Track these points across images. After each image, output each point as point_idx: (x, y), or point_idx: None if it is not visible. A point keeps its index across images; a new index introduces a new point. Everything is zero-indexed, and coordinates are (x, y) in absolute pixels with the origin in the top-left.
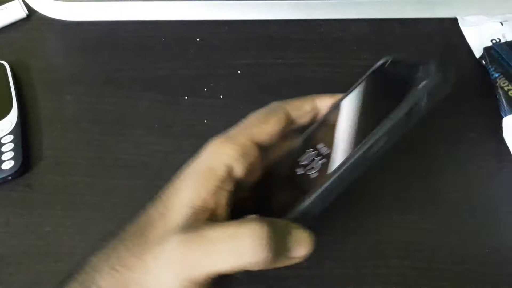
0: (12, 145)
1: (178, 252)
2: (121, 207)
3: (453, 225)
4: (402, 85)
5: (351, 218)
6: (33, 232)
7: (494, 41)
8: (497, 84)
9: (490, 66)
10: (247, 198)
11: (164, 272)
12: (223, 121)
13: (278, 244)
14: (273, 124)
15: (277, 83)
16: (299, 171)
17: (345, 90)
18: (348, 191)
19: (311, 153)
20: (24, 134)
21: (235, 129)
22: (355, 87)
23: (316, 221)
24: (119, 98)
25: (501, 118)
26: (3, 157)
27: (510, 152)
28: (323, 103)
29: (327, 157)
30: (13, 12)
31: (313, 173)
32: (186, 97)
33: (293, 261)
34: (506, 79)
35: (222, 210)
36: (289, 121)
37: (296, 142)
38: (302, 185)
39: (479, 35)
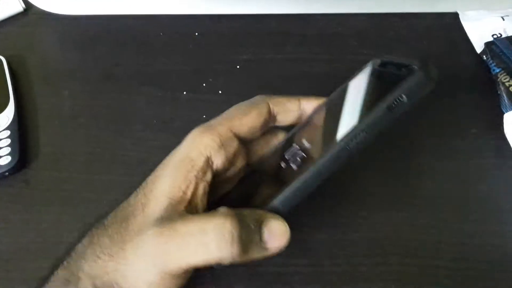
0: (9, 141)
1: (153, 244)
2: (119, 203)
3: (453, 222)
4: (388, 85)
5: (350, 215)
6: (30, 228)
7: (495, 36)
8: (498, 80)
9: (491, 61)
10: (236, 193)
11: (141, 262)
12: None
13: (248, 236)
14: (254, 116)
15: (276, 78)
16: (283, 165)
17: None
18: (347, 189)
19: (294, 148)
20: (21, 130)
21: (216, 119)
22: (343, 88)
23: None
24: (117, 93)
25: (502, 113)
26: (0, 153)
27: (511, 148)
28: (309, 104)
29: (308, 152)
30: (10, 6)
31: (294, 167)
32: (184, 93)
33: (269, 253)
34: (507, 74)
35: (199, 200)
36: (271, 115)
37: (283, 138)
38: (284, 179)
39: (480, 30)
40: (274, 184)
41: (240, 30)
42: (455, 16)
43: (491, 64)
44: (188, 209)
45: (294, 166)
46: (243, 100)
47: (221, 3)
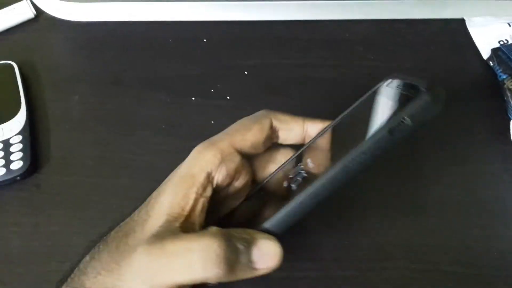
0: (21, 146)
1: (143, 262)
2: (127, 207)
3: (460, 227)
4: (395, 106)
5: (357, 220)
6: (41, 232)
7: (501, 42)
8: (505, 86)
9: (497, 68)
10: (243, 209)
11: (134, 279)
12: (230, 122)
13: (235, 257)
14: (256, 131)
15: (284, 84)
16: (285, 184)
17: (351, 91)
18: (355, 194)
19: (299, 167)
20: (32, 135)
21: (218, 135)
22: (352, 107)
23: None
24: (126, 98)
25: (509, 119)
26: (12, 157)
27: None
28: (313, 126)
29: (310, 172)
30: (21, 13)
31: (294, 187)
32: (193, 98)
33: (260, 273)
34: None
35: (196, 216)
36: (273, 131)
37: (290, 156)
38: (285, 198)
39: (486, 36)
40: (277, 203)
41: (248, 36)
42: (461, 22)
43: (497, 70)
44: (184, 225)
45: (294, 186)
46: (250, 105)
47: (229, 9)
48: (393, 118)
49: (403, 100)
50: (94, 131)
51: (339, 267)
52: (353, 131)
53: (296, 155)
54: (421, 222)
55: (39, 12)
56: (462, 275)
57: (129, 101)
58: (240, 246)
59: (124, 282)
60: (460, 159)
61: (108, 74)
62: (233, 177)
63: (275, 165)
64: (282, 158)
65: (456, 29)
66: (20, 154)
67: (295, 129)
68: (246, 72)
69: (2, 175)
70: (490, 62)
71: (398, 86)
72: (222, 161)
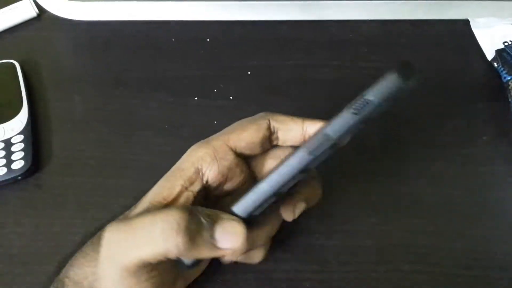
0: (22, 145)
1: (112, 241)
2: (129, 207)
3: (464, 229)
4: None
5: (361, 222)
6: (42, 232)
7: (506, 44)
8: (510, 87)
9: (502, 69)
10: None
11: (105, 262)
12: (232, 123)
13: (197, 229)
14: (252, 131)
15: (287, 85)
16: None
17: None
18: (358, 195)
19: None
20: (34, 134)
21: (215, 135)
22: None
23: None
24: (128, 98)
25: None
26: (13, 157)
27: None
28: (312, 126)
29: None
30: (23, 12)
31: None
32: (195, 98)
33: (222, 253)
34: None
35: None
36: (270, 132)
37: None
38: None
39: (491, 37)
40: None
41: (251, 36)
42: (466, 23)
43: (502, 71)
44: None
45: None
46: (253, 105)
47: (232, 9)
48: (357, 98)
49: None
50: (96, 131)
51: (342, 269)
52: None
53: None
54: (424, 224)
55: (41, 11)
56: (466, 277)
57: (131, 101)
58: (203, 221)
59: (100, 266)
60: (464, 160)
61: (110, 73)
62: (226, 176)
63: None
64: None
65: (460, 30)
66: (22, 154)
67: (294, 129)
68: (249, 72)
69: (3, 175)
70: (495, 63)
71: None
72: (214, 158)
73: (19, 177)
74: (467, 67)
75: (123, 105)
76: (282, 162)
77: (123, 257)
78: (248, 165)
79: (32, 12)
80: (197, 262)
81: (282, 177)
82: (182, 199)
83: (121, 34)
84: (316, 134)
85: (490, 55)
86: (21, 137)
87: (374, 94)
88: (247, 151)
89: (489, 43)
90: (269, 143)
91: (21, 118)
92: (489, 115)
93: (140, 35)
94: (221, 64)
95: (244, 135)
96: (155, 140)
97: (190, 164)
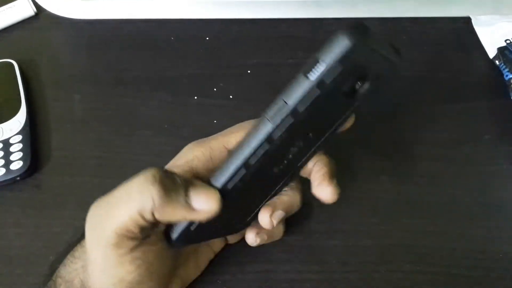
0: (20, 145)
1: (92, 217)
2: None
3: (466, 229)
4: None
5: (362, 222)
6: (41, 232)
7: (508, 41)
8: (511, 85)
9: (504, 67)
10: None
11: (89, 240)
12: (232, 122)
13: (172, 185)
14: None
15: (287, 83)
16: None
17: None
18: (360, 195)
19: None
20: (32, 134)
21: (213, 135)
22: None
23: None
24: (128, 97)
25: None
26: (12, 157)
27: None
28: None
29: None
30: (21, 10)
31: None
32: (195, 97)
33: (196, 215)
34: None
35: None
36: None
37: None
38: None
39: (492, 34)
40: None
41: (251, 34)
42: (467, 20)
43: (504, 69)
44: None
45: None
46: (253, 105)
47: (232, 8)
48: (310, 60)
49: None
50: (95, 131)
51: (344, 269)
52: None
53: None
54: (426, 224)
55: (39, 9)
56: (466, 277)
57: (130, 101)
58: (178, 180)
59: (87, 250)
60: (467, 159)
61: (109, 73)
62: None
63: None
64: None
65: (462, 28)
66: (20, 154)
67: None
68: (249, 71)
69: (1, 176)
70: (496, 61)
71: None
72: (210, 158)
73: (18, 178)
74: (468, 65)
75: (123, 104)
76: (247, 134)
77: (103, 229)
78: None
79: (30, 11)
80: (183, 239)
81: (248, 148)
82: None
83: (120, 32)
84: (274, 101)
85: (492, 53)
86: (20, 137)
87: (325, 55)
88: None
89: (491, 41)
90: None
91: (20, 118)
92: (491, 114)
93: (139, 33)
94: (221, 63)
95: (240, 135)
96: (155, 139)
97: (185, 162)
